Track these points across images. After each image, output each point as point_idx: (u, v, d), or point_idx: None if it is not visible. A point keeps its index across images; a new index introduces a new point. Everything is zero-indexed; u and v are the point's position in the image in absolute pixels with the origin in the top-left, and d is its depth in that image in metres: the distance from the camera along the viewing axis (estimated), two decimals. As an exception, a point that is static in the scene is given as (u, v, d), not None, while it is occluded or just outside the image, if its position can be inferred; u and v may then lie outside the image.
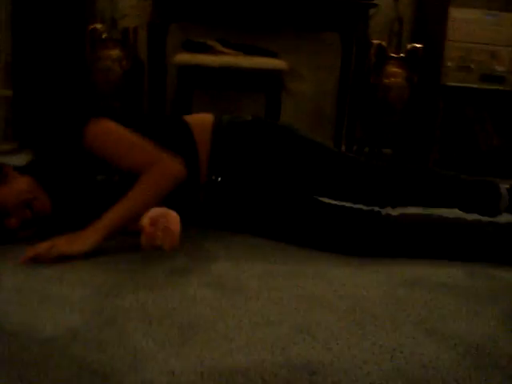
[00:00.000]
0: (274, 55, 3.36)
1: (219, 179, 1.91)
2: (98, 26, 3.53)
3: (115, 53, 3.51)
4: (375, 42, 3.54)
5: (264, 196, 1.95)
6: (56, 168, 1.78)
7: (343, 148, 3.68)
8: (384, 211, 1.92)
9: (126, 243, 1.73)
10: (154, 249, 1.60)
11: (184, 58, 3.27)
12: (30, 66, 3.59)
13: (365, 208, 1.92)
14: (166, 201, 1.70)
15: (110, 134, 1.74)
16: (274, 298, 1.39)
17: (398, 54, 3.60)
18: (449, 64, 3.51)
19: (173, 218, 1.64)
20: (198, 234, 1.90)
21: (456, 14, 3.45)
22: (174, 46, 3.54)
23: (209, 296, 1.38)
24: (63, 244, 1.56)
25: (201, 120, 1.98)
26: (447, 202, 1.93)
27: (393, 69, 3.56)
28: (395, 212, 1.94)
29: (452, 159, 3.59)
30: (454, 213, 1.92)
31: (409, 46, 3.57)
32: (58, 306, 1.28)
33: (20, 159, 3.38)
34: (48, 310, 1.26)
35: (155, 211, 1.64)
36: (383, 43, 3.56)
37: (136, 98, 3.69)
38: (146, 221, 1.61)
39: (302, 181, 1.92)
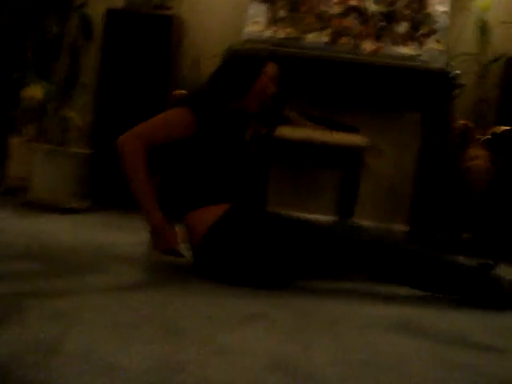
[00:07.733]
0: (355, 130, 3.30)
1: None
2: (181, 91, 3.59)
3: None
4: (461, 122, 3.44)
5: None
6: None
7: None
8: None
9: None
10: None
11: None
12: (110, 126, 3.67)
13: None
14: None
15: None
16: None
17: (484, 135, 3.48)
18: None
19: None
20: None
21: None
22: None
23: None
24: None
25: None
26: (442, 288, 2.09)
27: (476, 151, 3.44)
28: None
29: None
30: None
31: (498, 130, 3.44)
32: (122, 381, 1.19)
33: (94, 218, 3.40)
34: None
35: None
36: (470, 124, 3.46)
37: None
38: None
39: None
